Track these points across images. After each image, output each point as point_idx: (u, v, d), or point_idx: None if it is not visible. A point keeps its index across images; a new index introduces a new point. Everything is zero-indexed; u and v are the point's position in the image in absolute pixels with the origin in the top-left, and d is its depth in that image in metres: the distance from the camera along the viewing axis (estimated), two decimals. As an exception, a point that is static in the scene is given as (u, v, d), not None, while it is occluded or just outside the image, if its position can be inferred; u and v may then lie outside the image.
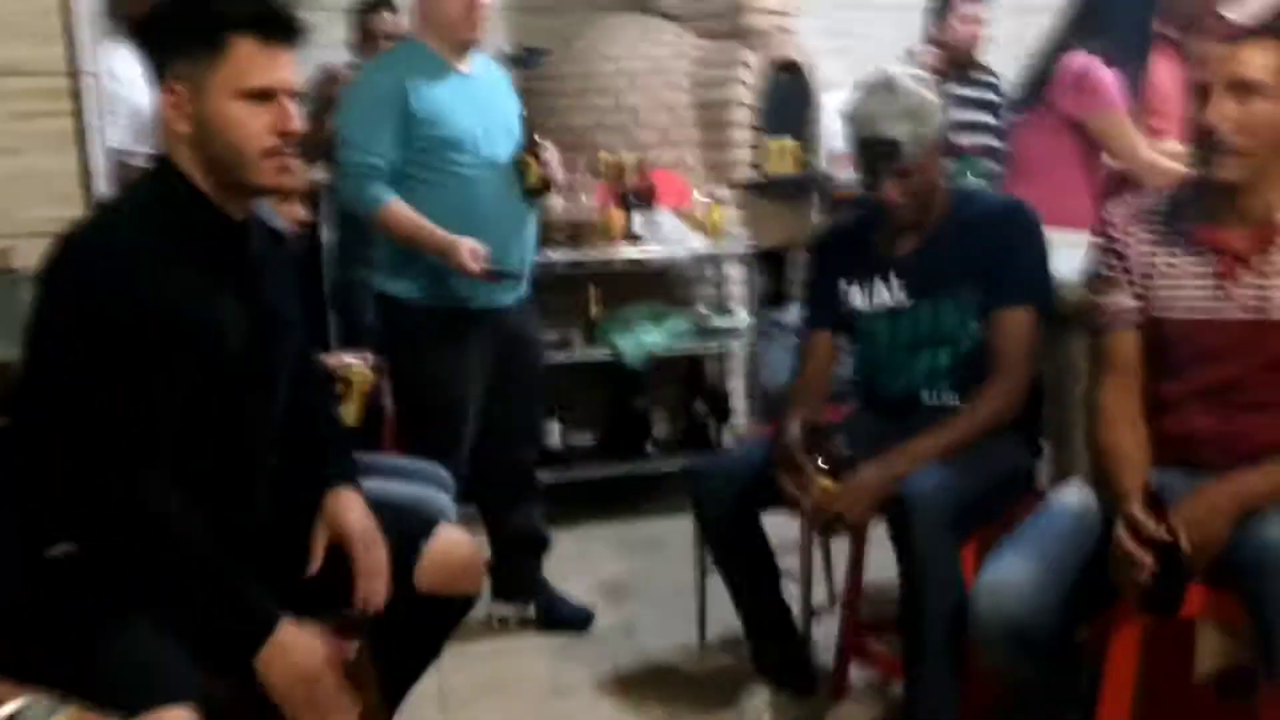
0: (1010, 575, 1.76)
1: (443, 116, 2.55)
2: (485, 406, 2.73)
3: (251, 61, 1.56)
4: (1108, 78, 3.10)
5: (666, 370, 3.89)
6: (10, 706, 0.99)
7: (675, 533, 3.11)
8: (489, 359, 2.71)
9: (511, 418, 2.82)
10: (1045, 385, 2.29)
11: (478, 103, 2.62)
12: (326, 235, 3.86)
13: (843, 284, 2.33)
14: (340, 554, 1.75)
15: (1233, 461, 1.77)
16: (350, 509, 1.76)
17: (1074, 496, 1.92)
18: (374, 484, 1.92)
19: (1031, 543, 1.82)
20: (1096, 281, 1.96)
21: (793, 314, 4.39)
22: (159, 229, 1.57)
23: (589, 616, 2.93)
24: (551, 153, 2.68)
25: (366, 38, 3.68)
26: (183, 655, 1.47)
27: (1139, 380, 1.90)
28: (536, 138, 2.67)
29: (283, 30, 1.59)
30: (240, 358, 1.63)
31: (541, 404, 3.05)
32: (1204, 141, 1.78)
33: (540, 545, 2.95)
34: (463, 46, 2.62)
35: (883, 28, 5.05)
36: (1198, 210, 1.86)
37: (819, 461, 2.08)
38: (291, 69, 1.61)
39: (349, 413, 2.46)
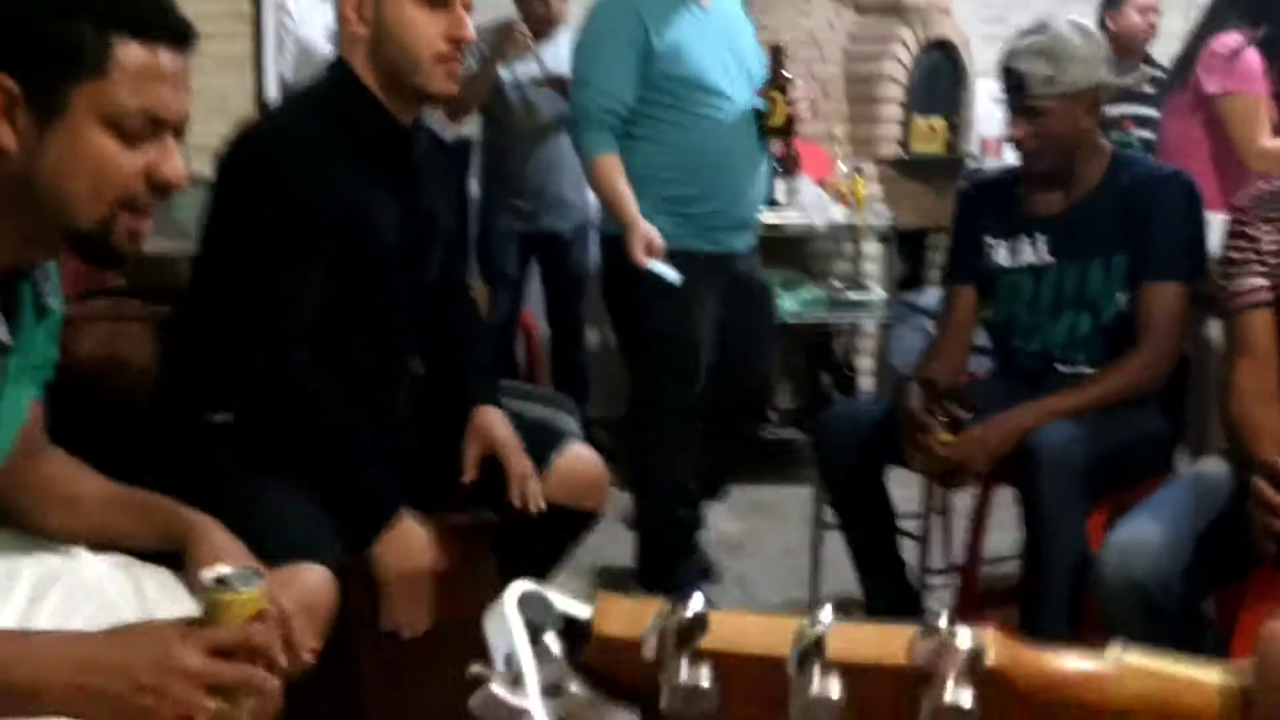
0: (1141, 536, 1.73)
1: (685, 54, 2.50)
2: (719, 358, 2.68)
3: None
4: (1252, 59, 2.94)
5: (795, 340, 3.88)
6: (220, 570, 1.08)
7: (792, 499, 3.12)
8: (719, 305, 2.66)
9: (743, 358, 2.76)
10: (1190, 361, 2.23)
11: (720, 39, 2.57)
12: (474, 188, 3.97)
13: (987, 239, 2.30)
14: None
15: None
16: (497, 424, 1.82)
17: (1212, 468, 1.87)
18: (507, 401, 1.98)
19: (1164, 507, 1.78)
20: (1227, 264, 1.92)
21: (929, 297, 4.35)
22: (328, 126, 1.66)
23: (711, 568, 2.93)
24: (801, 89, 2.60)
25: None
26: (324, 520, 1.55)
27: (1274, 360, 1.85)
28: (785, 72, 2.58)
29: None
30: (392, 255, 1.70)
31: (772, 345, 2.90)
32: None
33: (711, 493, 2.91)
34: None
35: (1044, 14, 4.94)
36: None
37: (940, 415, 2.07)
38: None
39: None
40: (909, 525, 2.52)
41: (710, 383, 2.71)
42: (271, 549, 1.38)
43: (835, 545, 2.48)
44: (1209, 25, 3.07)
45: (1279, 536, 1.60)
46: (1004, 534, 2.16)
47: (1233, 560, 1.68)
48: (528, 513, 1.78)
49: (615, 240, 2.53)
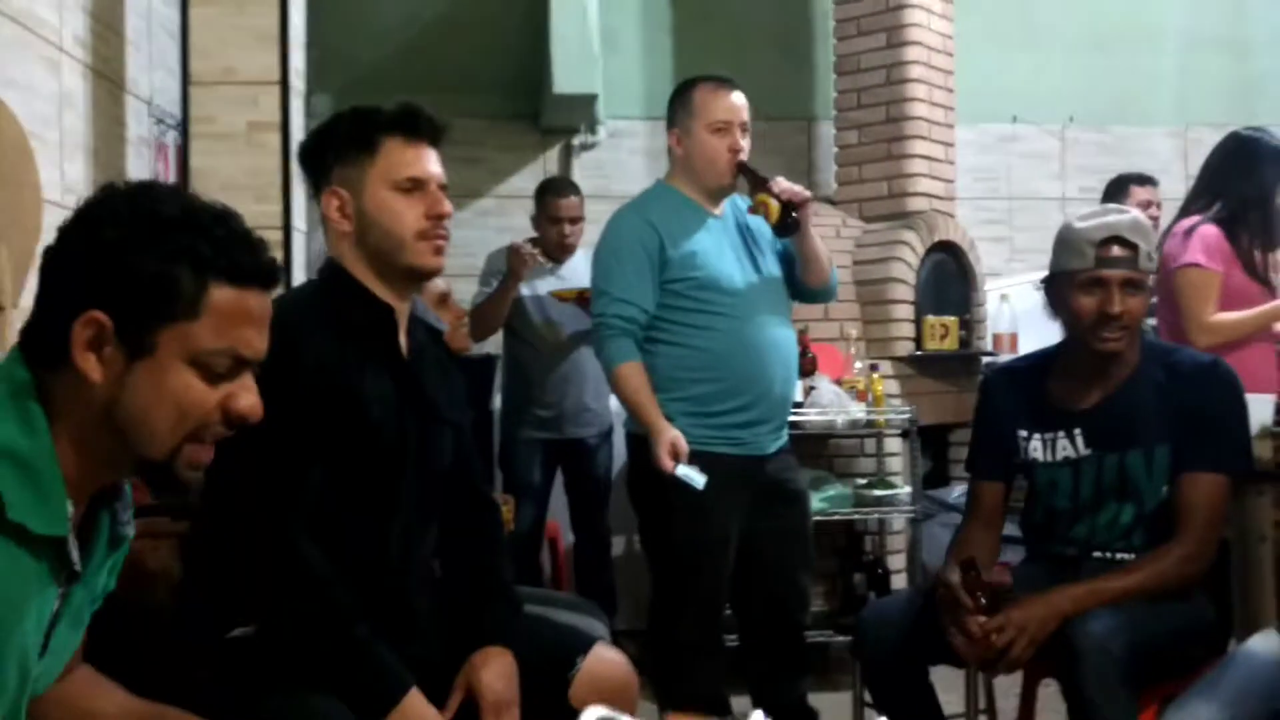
0: (1195, 721, 1.66)
1: (700, 259, 2.57)
2: (749, 563, 2.64)
3: (401, 156, 1.75)
4: (1209, 234, 3.03)
5: (825, 540, 3.84)
6: None
7: (830, 705, 3.01)
8: (748, 510, 2.62)
9: (776, 575, 2.71)
10: (1231, 544, 2.19)
11: (734, 242, 2.65)
12: (498, 402, 4.05)
13: (1021, 434, 2.26)
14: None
15: None
16: (490, 668, 1.73)
17: (1264, 644, 1.81)
18: (532, 609, 1.96)
19: (1217, 689, 1.72)
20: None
21: (956, 493, 4.32)
22: (313, 309, 1.73)
23: None
24: (781, 182, 2.59)
25: (549, 221, 3.82)
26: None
27: None
28: (759, 174, 2.60)
29: (424, 129, 1.77)
30: (391, 435, 1.72)
31: (810, 561, 2.83)
32: None
33: (810, 719, 2.81)
34: (717, 193, 2.68)
35: (1044, 217, 5.14)
36: None
37: (979, 597, 2.02)
38: (435, 163, 1.78)
39: None
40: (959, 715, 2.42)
41: (742, 592, 2.67)
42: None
43: (878, 752, 2.39)
44: (1180, 215, 3.18)
45: None
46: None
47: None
48: None
49: (641, 440, 2.54)
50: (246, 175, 2.76)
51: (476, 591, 1.86)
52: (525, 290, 3.75)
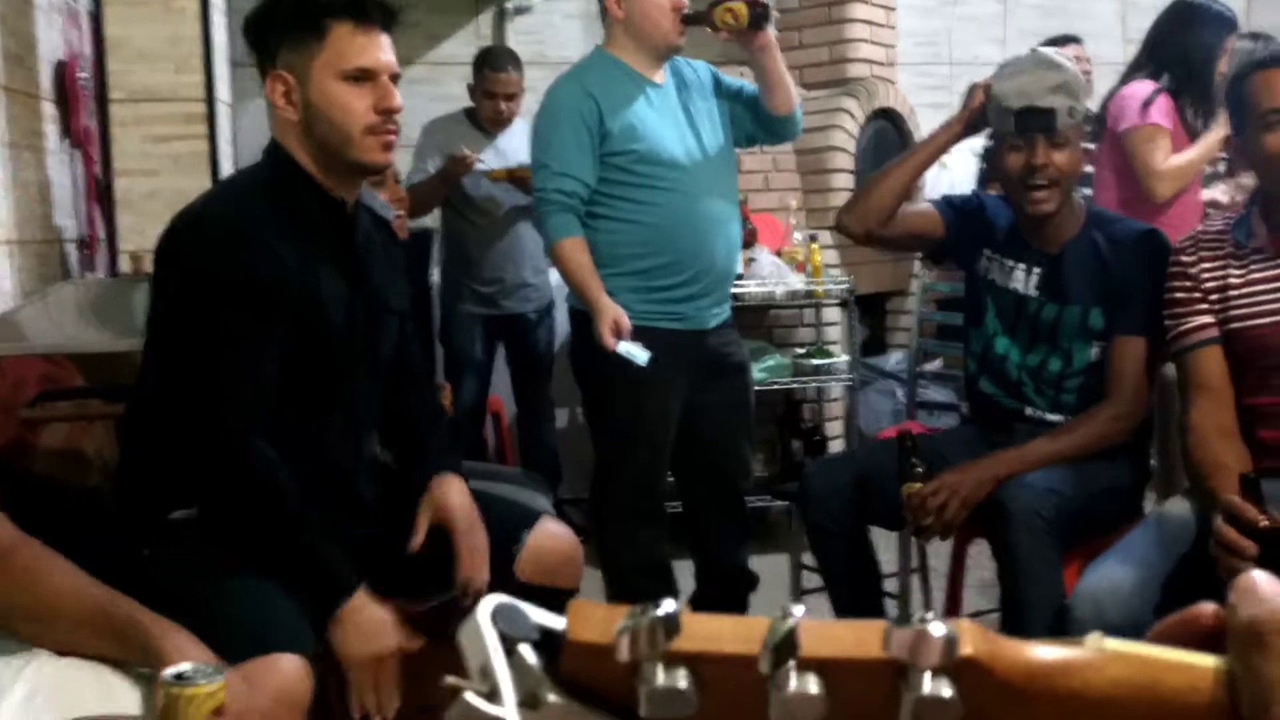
0: (1111, 580, 1.74)
1: (640, 130, 2.50)
2: (691, 435, 2.66)
3: (350, 44, 1.67)
4: (1160, 100, 3.05)
5: (764, 409, 3.89)
6: (178, 667, 1.06)
7: (769, 568, 3.09)
8: (691, 384, 2.62)
9: (719, 447, 2.72)
10: (1153, 409, 2.26)
11: (676, 113, 2.58)
12: (436, 276, 4.00)
13: (987, 251, 2.31)
14: (442, 543, 1.79)
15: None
16: (452, 492, 1.80)
17: (1177, 509, 1.89)
18: (477, 483, 1.97)
19: (1133, 551, 1.80)
20: (1172, 305, 1.97)
21: (892, 361, 4.39)
22: (267, 206, 1.68)
23: None
24: None
25: (485, 95, 3.70)
26: (296, 609, 1.53)
27: (1228, 396, 1.89)
28: (701, 10, 2.51)
29: (375, 14, 1.69)
30: (343, 333, 1.70)
31: (749, 434, 2.83)
32: (1272, 168, 1.81)
33: (749, 584, 2.85)
34: (664, 55, 2.58)
35: (984, 82, 5.09)
36: (1268, 224, 1.88)
37: (912, 464, 2.08)
38: (388, 51, 1.71)
39: None
40: (888, 584, 2.51)
41: (685, 463, 2.70)
42: (243, 642, 1.36)
43: (815, 611, 2.47)
44: (1124, 80, 3.18)
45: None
46: (985, 590, 2.16)
47: (1203, 597, 1.68)
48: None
49: (585, 316, 2.52)
50: (165, 44, 2.64)
51: (419, 451, 1.88)
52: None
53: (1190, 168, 3.04)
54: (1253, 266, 1.89)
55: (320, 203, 1.72)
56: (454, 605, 1.81)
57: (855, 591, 2.32)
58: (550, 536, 1.90)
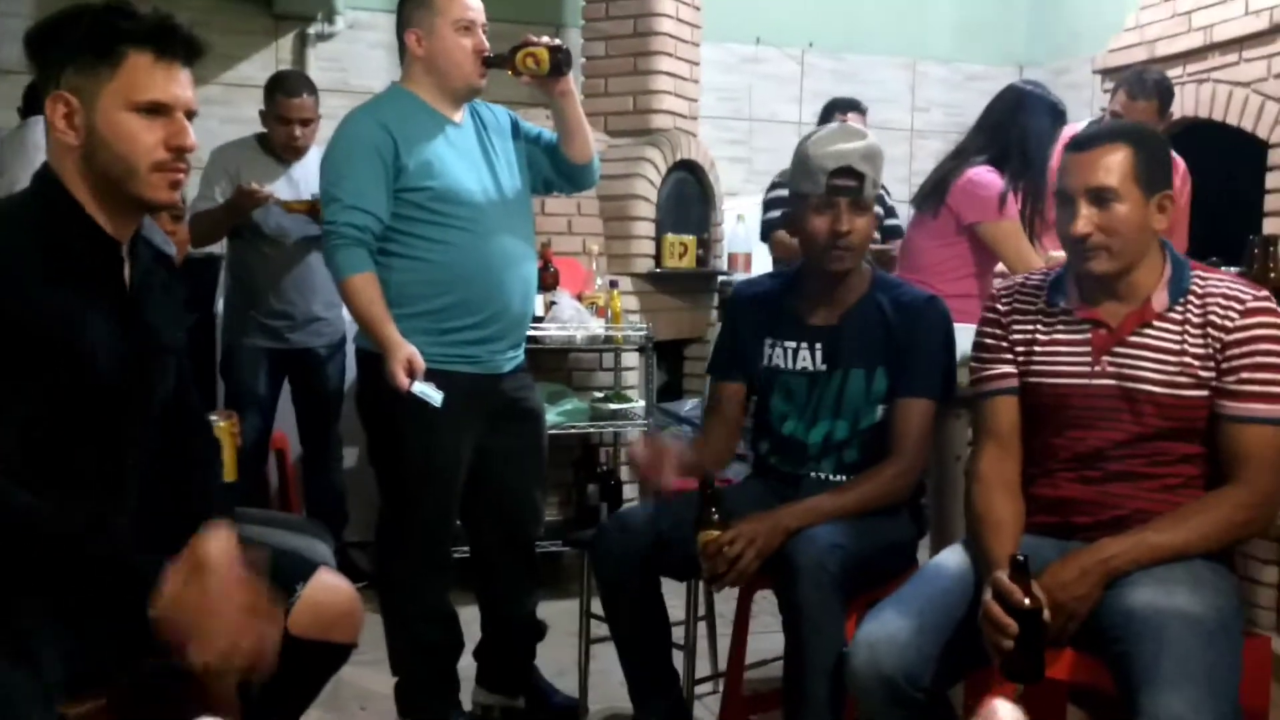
0: (887, 630, 1.79)
1: (437, 168, 2.44)
2: (482, 481, 2.60)
3: (148, 75, 1.56)
4: (999, 188, 3.18)
5: (560, 452, 3.88)
6: None
7: (560, 614, 3.07)
8: (482, 429, 2.57)
9: (509, 493, 2.68)
10: (929, 464, 2.36)
11: (474, 152, 2.54)
12: (221, 306, 3.83)
13: (767, 341, 2.37)
14: None
15: (1101, 528, 1.84)
16: (212, 539, 1.61)
17: (953, 559, 1.96)
18: (252, 529, 1.87)
19: (909, 601, 1.85)
20: (980, 350, 2.05)
21: (688, 406, 4.46)
22: (33, 242, 1.54)
23: (575, 707, 2.78)
24: (538, 39, 2.49)
25: (278, 120, 3.59)
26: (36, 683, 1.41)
27: (1016, 447, 1.98)
28: (504, 53, 2.48)
29: (180, 48, 1.60)
30: (111, 378, 1.59)
31: (540, 480, 2.80)
32: (1076, 246, 1.90)
33: (537, 633, 2.81)
34: (464, 96, 2.54)
35: (782, 139, 5.28)
36: (1078, 289, 1.97)
37: (710, 512, 2.10)
38: (186, 87, 1.61)
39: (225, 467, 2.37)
40: (674, 632, 2.52)
41: (474, 509, 2.65)
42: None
43: (604, 659, 2.45)
44: (960, 156, 3.30)
45: (1005, 654, 1.69)
46: (771, 636, 2.19)
47: (974, 649, 1.75)
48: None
49: (373, 358, 2.44)
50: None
51: (190, 508, 1.74)
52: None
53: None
54: (1059, 327, 1.97)
55: (92, 241, 1.60)
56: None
57: (644, 647, 2.32)
58: (327, 589, 1.82)
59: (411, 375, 2.37)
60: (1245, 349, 1.83)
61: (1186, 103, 3.74)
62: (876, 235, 3.63)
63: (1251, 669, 1.78)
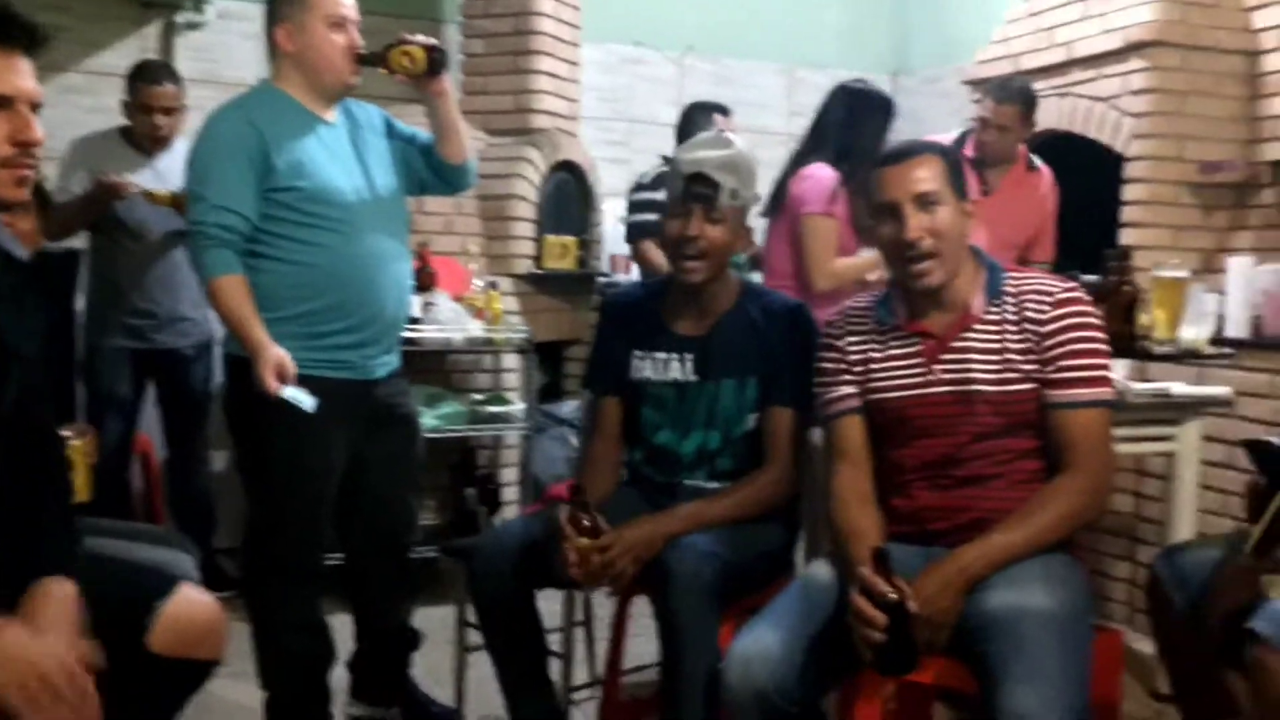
0: (760, 645, 1.81)
1: (308, 168, 2.37)
2: (354, 488, 2.54)
3: None
4: (827, 185, 3.22)
5: (438, 456, 3.83)
6: None
7: (436, 620, 3.03)
8: (355, 435, 2.50)
9: (383, 501, 2.61)
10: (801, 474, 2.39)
11: (347, 153, 2.47)
12: (81, 304, 3.67)
13: (636, 353, 2.37)
14: None
15: (957, 533, 1.90)
16: (46, 605, 1.54)
17: (820, 571, 2.00)
18: (109, 543, 1.80)
19: (781, 615, 1.88)
20: (821, 374, 2.10)
21: (568, 408, 4.45)
22: None
23: (453, 715, 2.73)
24: (413, 37, 2.44)
25: (140, 109, 3.47)
26: None
27: (868, 463, 2.04)
28: (378, 51, 2.43)
29: (19, 34, 1.53)
30: None
31: (416, 486, 2.76)
32: (904, 254, 1.96)
33: (412, 643, 2.75)
34: (336, 95, 2.47)
35: (661, 141, 5.30)
36: (904, 304, 2.04)
37: (582, 522, 2.09)
38: (28, 77, 1.53)
39: (77, 487, 2.24)
40: (552, 638, 2.51)
41: (347, 516, 2.59)
42: None
43: (483, 666, 2.43)
44: (799, 161, 3.36)
45: (875, 647, 1.72)
46: (651, 640, 2.20)
47: (845, 659, 1.79)
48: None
49: (241, 363, 2.36)
50: None
51: (33, 531, 1.65)
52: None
53: (851, 272, 3.20)
54: (891, 343, 2.03)
55: None
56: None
57: (519, 660, 2.30)
58: (190, 605, 1.76)
59: (282, 380, 2.31)
60: (1060, 338, 1.92)
61: (1049, 115, 3.87)
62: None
63: (1104, 663, 1.86)
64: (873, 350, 2.04)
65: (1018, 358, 1.94)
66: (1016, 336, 1.94)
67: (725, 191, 2.22)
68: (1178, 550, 2.14)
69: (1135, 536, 3.38)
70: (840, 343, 2.08)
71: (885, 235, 1.98)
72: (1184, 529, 2.76)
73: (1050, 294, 1.95)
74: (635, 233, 4.10)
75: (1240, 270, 3.23)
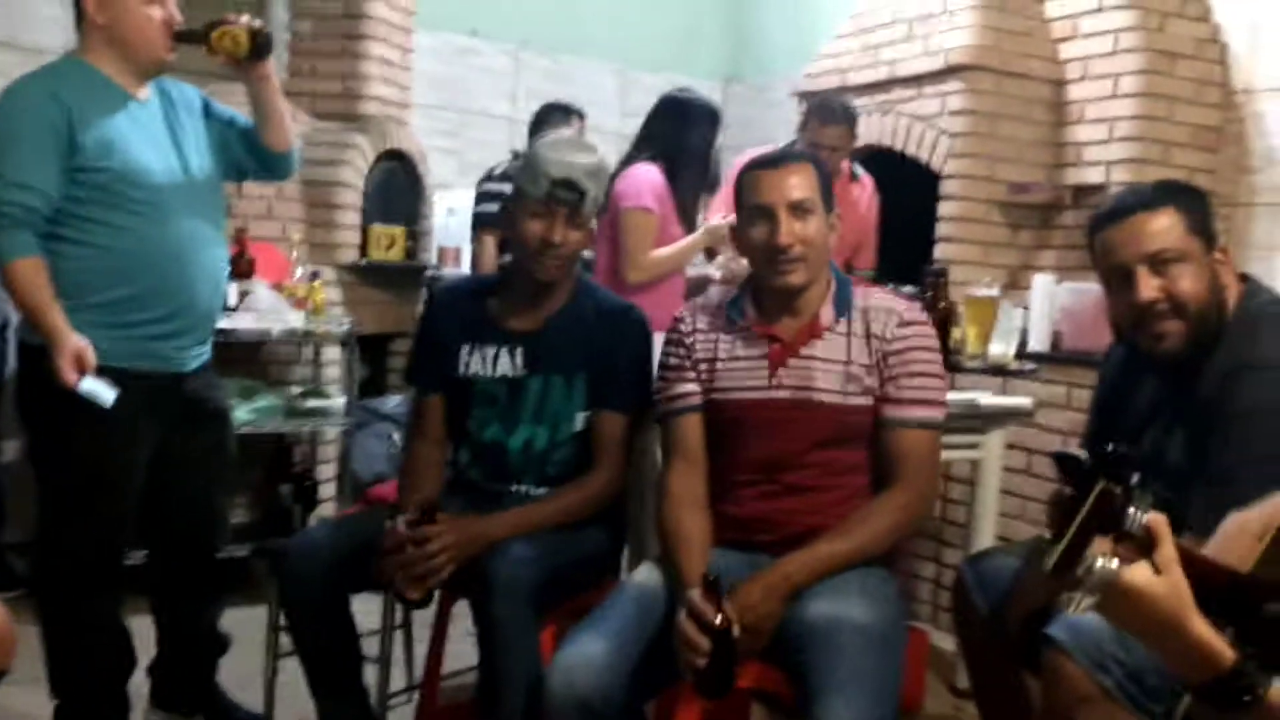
0: (584, 653, 1.81)
1: (116, 147, 2.24)
2: (160, 487, 2.42)
3: None
4: (650, 182, 3.33)
5: (251, 452, 3.69)
6: None
7: (247, 622, 2.91)
8: (163, 430, 2.38)
9: (190, 502, 2.50)
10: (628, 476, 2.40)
11: (160, 133, 2.34)
12: None
13: (464, 348, 2.31)
14: None
15: (783, 544, 1.94)
16: None
17: (646, 577, 2.01)
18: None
19: (605, 622, 1.88)
20: (664, 369, 2.11)
21: (391, 403, 4.35)
22: None
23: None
24: (237, 17, 2.33)
25: None
26: None
27: (703, 463, 2.06)
28: (198, 28, 2.32)
29: None
30: None
31: (227, 484, 2.67)
32: (773, 256, 1.99)
33: (219, 647, 2.63)
34: (149, 72, 2.34)
35: (495, 134, 5.26)
36: (755, 306, 2.08)
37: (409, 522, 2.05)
38: None
39: None
40: (369, 642, 2.45)
41: (152, 516, 2.47)
42: None
43: (294, 670, 2.35)
44: (626, 164, 3.41)
45: (698, 671, 1.75)
46: (471, 644, 2.17)
47: (669, 666, 1.81)
48: None
49: (37, 351, 2.21)
50: None
51: None
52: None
53: (664, 265, 3.31)
54: (739, 343, 2.06)
55: None
56: None
57: (333, 664, 2.24)
58: (-25, 615, 1.64)
59: (81, 371, 2.17)
60: (903, 357, 1.99)
61: (873, 131, 4.01)
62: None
63: (909, 662, 1.93)
64: (720, 348, 2.06)
65: (860, 372, 1.99)
66: (862, 350, 2.00)
67: (590, 199, 2.21)
68: (981, 558, 2.25)
69: (941, 539, 3.54)
70: (688, 339, 2.09)
71: (756, 237, 2.01)
72: (987, 532, 2.91)
73: (897, 313, 2.02)
74: (478, 223, 4.07)
75: (1043, 288, 3.42)
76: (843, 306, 2.04)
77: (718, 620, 1.73)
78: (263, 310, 3.52)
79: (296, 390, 3.78)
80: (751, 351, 2.04)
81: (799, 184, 1.99)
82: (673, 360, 2.10)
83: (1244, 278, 1.91)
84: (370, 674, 2.36)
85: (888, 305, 2.04)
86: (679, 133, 3.38)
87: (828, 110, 3.53)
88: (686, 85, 3.68)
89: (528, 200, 2.21)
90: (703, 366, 2.07)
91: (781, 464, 2.00)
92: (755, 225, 2.01)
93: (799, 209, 1.98)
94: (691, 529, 1.96)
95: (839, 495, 2.00)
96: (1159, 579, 1.07)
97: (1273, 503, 1.26)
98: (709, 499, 2.03)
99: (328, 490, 3.98)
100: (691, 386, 2.07)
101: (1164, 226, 1.80)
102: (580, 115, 4.16)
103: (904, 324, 2.01)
